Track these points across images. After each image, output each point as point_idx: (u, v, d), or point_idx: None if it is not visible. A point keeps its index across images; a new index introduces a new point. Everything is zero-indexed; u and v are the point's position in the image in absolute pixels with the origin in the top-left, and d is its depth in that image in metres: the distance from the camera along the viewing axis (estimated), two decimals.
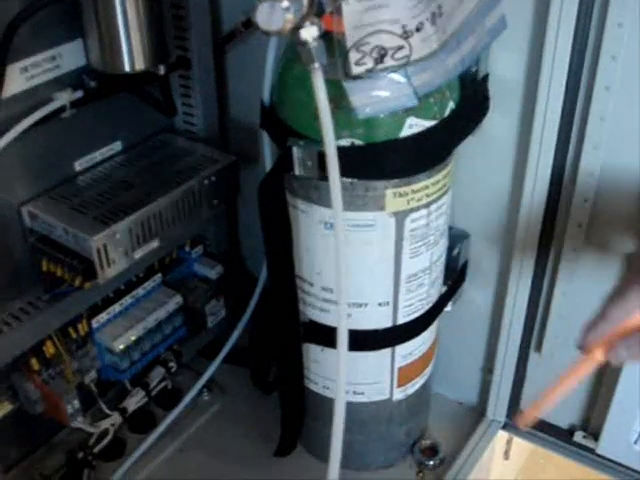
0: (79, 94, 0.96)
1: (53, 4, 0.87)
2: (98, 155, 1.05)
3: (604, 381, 1.05)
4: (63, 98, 0.94)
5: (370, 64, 0.74)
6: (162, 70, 0.98)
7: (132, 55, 0.92)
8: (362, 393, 1.04)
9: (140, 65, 0.93)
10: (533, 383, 1.14)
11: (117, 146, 1.08)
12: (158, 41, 0.94)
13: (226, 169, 1.07)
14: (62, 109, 0.95)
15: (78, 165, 1.03)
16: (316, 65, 0.64)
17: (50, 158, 0.99)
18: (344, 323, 0.75)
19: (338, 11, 0.73)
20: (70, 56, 0.95)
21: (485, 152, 0.99)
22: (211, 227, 1.25)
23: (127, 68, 0.93)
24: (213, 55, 1.11)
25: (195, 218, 1.05)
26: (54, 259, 0.95)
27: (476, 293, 1.12)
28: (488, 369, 1.17)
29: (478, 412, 1.21)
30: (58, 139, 0.98)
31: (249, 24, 1.05)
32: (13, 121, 0.90)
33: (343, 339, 0.76)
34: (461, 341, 1.18)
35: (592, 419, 1.11)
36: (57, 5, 0.88)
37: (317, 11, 0.61)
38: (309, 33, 0.62)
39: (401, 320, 0.98)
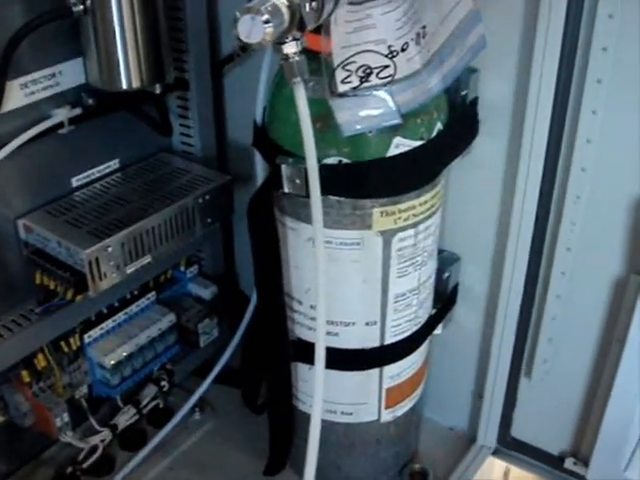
0: (78, 111, 0.98)
1: (53, 22, 0.89)
2: (95, 172, 1.07)
3: (594, 407, 1.05)
4: (61, 115, 0.97)
5: (356, 82, 0.76)
6: (158, 89, 1.00)
7: (129, 74, 0.95)
8: (350, 414, 1.04)
9: (137, 83, 0.95)
10: (524, 408, 1.13)
11: (115, 164, 1.10)
12: (155, 61, 0.96)
13: (221, 188, 1.09)
14: (60, 125, 0.97)
15: (75, 181, 1.05)
16: (298, 79, 0.65)
17: (47, 173, 1.01)
18: (322, 335, 0.76)
19: (326, 31, 0.75)
20: (70, 74, 0.97)
21: (475, 175, 1.00)
22: (206, 247, 1.27)
23: (124, 86, 0.95)
24: (211, 77, 1.14)
25: (189, 236, 1.06)
26: (48, 272, 0.97)
27: (466, 316, 1.12)
28: (478, 394, 1.17)
29: (469, 438, 1.21)
30: (56, 155, 1.00)
31: (247, 47, 1.07)
32: (12, 136, 0.92)
33: (320, 353, 0.76)
34: (452, 365, 1.18)
35: (582, 445, 1.10)
36: (57, 23, 0.90)
37: (299, 26, 0.62)
38: (291, 48, 0.63)
39: (389, 340, 0.98)
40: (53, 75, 0.96)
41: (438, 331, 1.09)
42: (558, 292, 1.00)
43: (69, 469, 1.11)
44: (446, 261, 1.08)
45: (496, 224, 1.02)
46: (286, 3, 0.60)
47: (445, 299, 1.08)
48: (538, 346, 1.05)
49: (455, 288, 1.11)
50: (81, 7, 0.89)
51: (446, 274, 1.07)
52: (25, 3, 0.89)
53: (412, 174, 0.86)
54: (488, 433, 1.17)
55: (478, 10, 0.75)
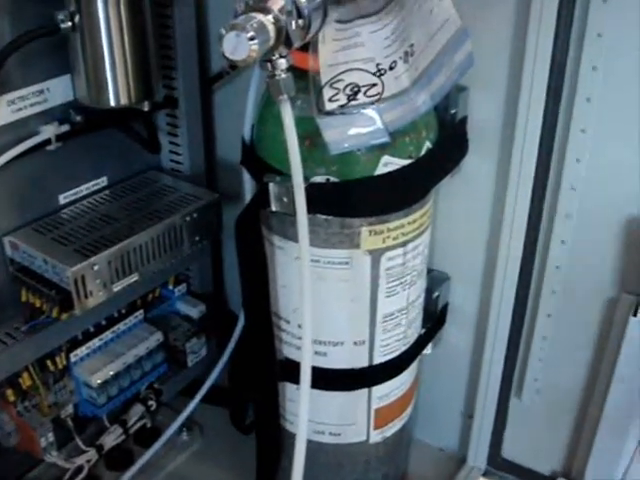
0: (65, 128, 0.98)
1: (41, 38, 0.89)
2: (84, 189, 1.07)
3: (585, 427, 1.04)
4: (49, 131, 0.96)
5: (343, 100, 0.75)
6: (147, 106, 1.00)
7: (117, 91, 0.94)
8: (338, 434, 1.03)
9: (125, 101, 0.95)
10: (514, 429, 1.13)
11: (103, 181, 1.09)
12: (143, 78, 0.96)
13: (209, 206, 1.08)
14: (48, 142, 0.96)
15: (63, 198, 1.04)
16: (284, 97, 0.65)
17: (34, 190, 1.00)
18: (308, 355, 0.75)
19: (314, 49, 0.75)
20: (58, 90, 0.97)
21: (464, 193, 1.00)
22: (195, 266, 1.26)
23: (112, 103, 0.95)
24: (200, 95, 1.13)
25: (176, 254, 1.06)
26: (33, 289, 0.96)
27: (456, 336, 1.12)
28: (469, 414, 1.16)
29: (459, 458, 1.20)
30: (43, 172, 1.00)
31: (236, 65, 1.07)
32: None
33: (306, 369, 0.75)
34: (442, 385, 1.17)
35: (574, 465, 1.09)
36: (45, 40, 0.90)
37: (285, 43, 0.62)
38: (277, 65, 0.63)
39: (377, 360, 0.97)
40: (41, 92, 0.95)
41: (428, 351, 1.08)
42: (549, 311, 0.99)
43: None
44: (435, 280, 1.07)
45: (485, 243, 1.02)
46: (272, 20, 0.60)
47: (434, 319, 1.08)
48: (528, 365, 1.05)
49: (445, 308, 1.10)
50: (69, 24, 0.88)
51: (435, 293, 1.07)
52: (13, 19, 0.89)
53: (401, 193, 0.86)
54: (478, 454, 1.16)
55: (465, 28, 0.75)
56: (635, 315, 0.90)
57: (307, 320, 0.77)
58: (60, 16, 0.88)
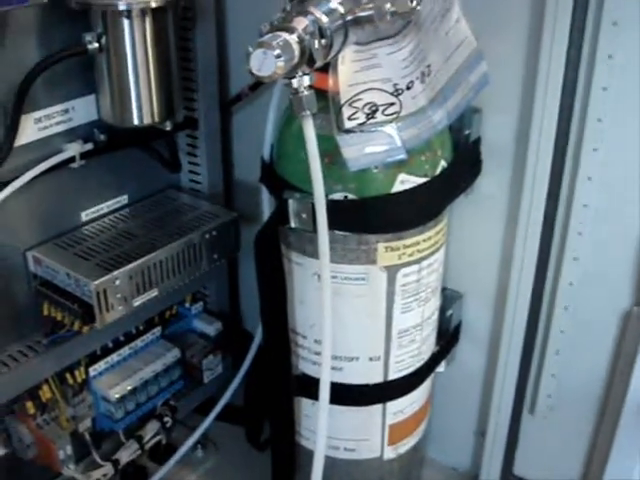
0: (89, 146, 1.01)
1: (68, 59, 0.92)
2: (105, 207, 1.09)
3: (599, 443, 1.05)
4: (73, 149, 0.99)
5: (362, 119, 0.78)
6: (168, 126, 1.03)
7: (141, 110, 0.97)
8: (353, 450, 1.04)
9: (148, 120, 0.98)
10: (526, 445, 1.13)
11: (124, 199, 1.12)
12: (166, 99, 0.98)
13: (227, 225, 1.11)
14: (72, 160, 0.99)
15: (85, 215, 1.07)
16: (306, 113, 0.68)
17: (58, 207, 1.03)
18: (327, 369, 0.77)
19: (334, 69, 0.78)
20: (82, 110, 1.00)
21: (477, 212, 1.03)
22: (212, 285, 1.28)
23: (136, 122, 0.97)
24: (220, 116, 1.16)
25: (195, 271, 1.08)
26: (55, 303, 0.98)
27: (469, 354, 1.13)
28: (481, 432, 1.17)
29: (471, 476, 1.21)
30: (67, 189, 1.03)
31: (255, 87, 1.11)
32: (24, 169, 0.94)
33: (325, 385, 0.77)
34: (455, 404, 1.19)
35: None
36: (72, 60, 0.93)
37: (309, 61, 0.65)
38: (300, 82, 0.66)
39: (392, 376, 0.99)
40: (66, 111, 0.98)
41: (441, 369, 1.09)
42: (562, 327, 1.01)
43: None
44: (449, 299, 1.09)
45: (499, 262, 1.04)
46: (297, 39, 0.63)
47: (448, 336, 1.09)
48: (541, 382, 1.06)
49: (458, 326, 1.12)
50: (96, 45, 0.91)
51: (449, 312, 1.09)
52: (41, 40, 0.92)
53: (416, 210, 0.88)
54: (491, 471, 1.17)
55: (480, 50, 0.77)
56: None
57: (327, 335, 0.78)
58: (88, 37, 0.91)
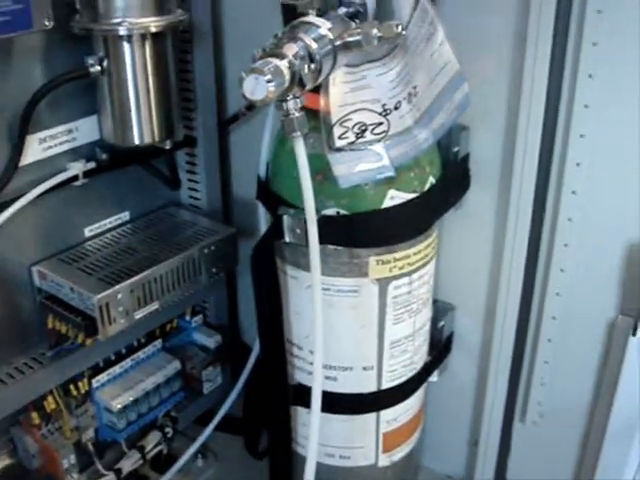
0: (92, 165, 1.05)
1: (72, 81, 0.96)
2: (107, 223, 1.13)
3: (588, 449, 1.07)
4: (76, 168, 1.03)
5: (352, 138, 0.82)
6: (168, 145, 1.06)
7: (141, 130, 1.00)
8: (348, 457, 1.07)
9: (148, 139, 1.01)
10: (518, 452, 1.16)
11: (125, 216, 1.16)
12: (165, 119, 1.02)
13: (225, 240, 1.14)
14: (75, 178, 1.03)
15: (88, 231, 1.10)
16: (297, 134, 0.71)
17: (62, 223, 1.06)
18: (319, 377, 0.80)
19: (325, 91, 0.82)
20: (85, 130, 1.03)
21: (467, 226, 1.06)
22: (211, 298, 1.31)
23: (136, 142, 1.01)
24: (218, 135, 1.20)
25: (195, 285, 1.11)
26: (60, 316, 1.01)
27: (461, 364, 1.16)
28: (474, 441, 1.20)
29: None
30: (70, 206, 1.06)
31: (251, 107, 1.15)
32: (29, 187, 0.98)
33: (317, 394, 0.80)
34: (448, 413, 1.22)
35: None
36: (75, 83, 0.97)
37: (299, 85, 0.68)
38: (291, 105, 0.69)
39: (385, 385, 1.02)
40: (70, 131, 1.02)
41: (434, 379, 1.13)
42: (549, 336, 1.04)
43: None
44: (441, 311, 1.12)
45: (488, 274, 1.07)
46: (287, 65, 0.67)
47: (440, 347, 1.12)
48: (532, 390, 1.09)
49: (450, 337, 1.15)
50: (98, 68, 0.95)
51: (441, 323, 1.12)
52: (45, 63, 0.96)
53: (406, 225, 0.91)
54: (484, 479, 1.20)
55: (462, 72, 0.81)
56: (634, 335, 0.94)
57: (319, 344, 0.82)
58: (90, 61, 0.95)
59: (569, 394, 1.07)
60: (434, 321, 1.10)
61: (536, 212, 0.97)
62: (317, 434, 0.84)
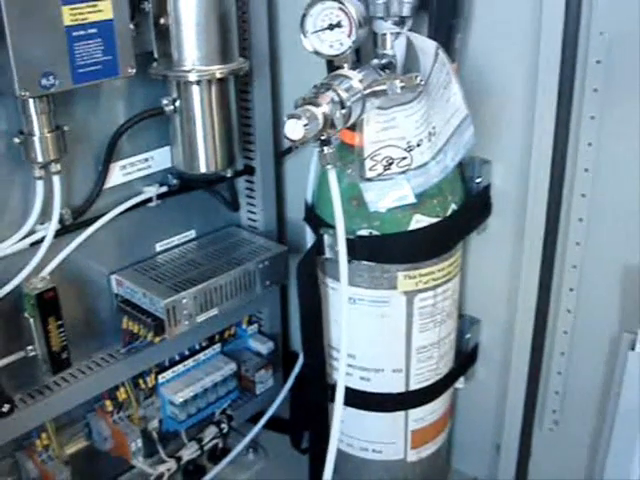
0: (164, 189, 1.22)
1: (148, 118, 1.13)
2: (176, 239, 1.30)
3: (599, 455, 1.17)
4: (151, 191, 1.20)
5: (380, 170, 0.97)
6: (230, 173, 1.23)
7: (207, 160, 1.16)
8: (380, 452, 1.20)
9: (212, 168, 1.17)
10: (538, 457, 1.27)
11: (192, 234, 1.32)
12: (228, 150, 1.18)
13: (278, 256, 1.30)
14: (149, 200, 1.20)
15: (159, 246, 1.27)
16: (330, 166, 0.87)
17: (137, 238, 1.23)
18: (343, 372, 0.94)
19: (360, 129, 0.97)
20: (159, 159, 1.21)
21: (489, 249, 1.19)
22: (265, 310, 1.47)
23: (203, 169, 1.17)
24: (274, 164, 1.36)
25: (250, 295, 1.27)
26: (133, 318, 1.18)
27: (486, 373, 1.28)
28: (497, 445, 1.31)
29: None
30: (144, 224, 1.23)
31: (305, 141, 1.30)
32: (111, 207, 1.15)
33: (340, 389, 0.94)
34: (475, 418, 1.34)
35: None
36: (151, 119, 1.14)
37: (331, 127, 0.83)
38: (324, 143, 0.85)
39: (413, 387, 1.15)
40: (146, 160, 1.19)
41: (460, 385, 1.25)
42: (562, 349, 1.16)
43: None
44: (467, 324, 1.25)
45: (507, 291, 1.20)
46: (321, 111, 0.82)
47: (466, 356, 1.25)
48: (547, 398, 1.20)
49: (475, 347, 1.27)
50: (171, 107, 1.12)
51: (467, 335, 1.25)
52: (127, 102, 1.14)
53: (430, 245, 1.05)
54: None
55: (470, 115, 0.94)
56: (633, 349, 1.05)
57: (344, 345, 0.96)
58: (164, 101, 1.12)
59: (580, 403, 1.18)
60: (461, 333, 1.23)
61: (548, 237, 1.10)
62: (339, 422, 0.99)
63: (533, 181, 1.07)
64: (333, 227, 1.04)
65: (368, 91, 0.89)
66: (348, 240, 0.98)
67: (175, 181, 1.23)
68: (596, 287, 1.10)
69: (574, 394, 1.19)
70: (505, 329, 1.23)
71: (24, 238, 1.06)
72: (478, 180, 1.12)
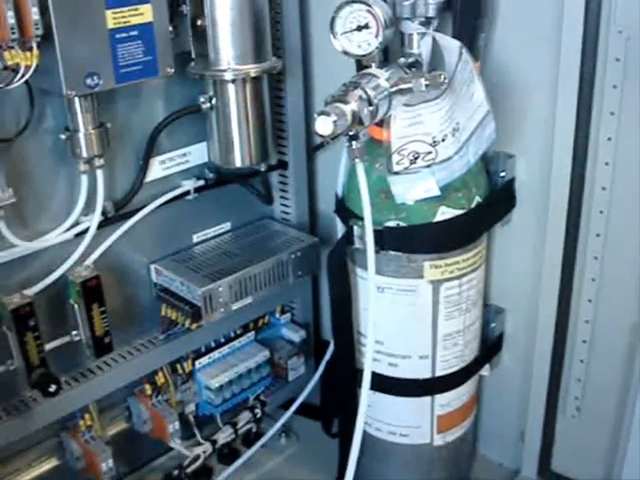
0: (201, 183, 1.28)
1: (186, 115, 1.19)
2: (212, 231, 1.36)
3: (621, 440, 1.21)
4: (188, 185, 1.26)
5: (406, 164, 1.01)
6: (263, 167, 1.29)
7: (242, 155, 1.22)
8: (407, 435, 1.25)
9: (247, 162, 1.23)
10: (562, 444, 1.31)
11: (227, 226, 1.38)
12: (262, 145, 1.23)
13: (309, 247, 1.35)
14: (187, 193, 1.26)
15: (196, 237, 1.33)
16: (357, 160, 0.91)
17: (175, 230, 1.29)
18: (370, 355, 0.99)
19: (387, 125, 1.01)
20: (196, 154, 1.26)
21: (513, 240, 1.23)
22: (298, 299, 1.52)
23: (238, 164, 1.23)
24: (306, 159, 1.42)
25: (283, 284, 1.32)
26: (171, 305, 1.24)
27: (510, 362, 1.32)
28: (522, 432, 1.35)
29: (513, 471, 1.39)
30: (182, 216, 1.29)
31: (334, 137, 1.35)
32: (151, 199, 1.21)
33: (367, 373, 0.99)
34: (500, 405, 1.37)
35: (613, 472, 1.25)
36: (189, 116, 1.20)
37: (359, 123, 0.88)
38: (352, 138, 0.89)
39: (439, 373, 1.20)
40: (184, 155, 1.25)
41: (485, 372, 1.29)
42: (584, 337, 1.19)
43: (175, 472, 1.35)
44: (493, 313, 1.29)
45: (531, 282, 1.23)
46: (349, 109, 0.87)
47: (491, 345, 1.29)
48: (569, 386, 1.24)
49: (500, 336, 1.31)
50: (208, 105, 1.18)
51: (492, 324, 1.29)
52: (166, 100, 1.19)
53: (455, 236, 1.10)
54: (530, 468, 1.35)
55: (491, 111, 0.99)
56: None
57: (371, 331, 1.01)
58: (202, 99, 1.18)
59: (602, 390, 1.21)
60: (487, 322, 1.27)
61: (569, 229, 1.13)
62: (366, 406, 1.05)
63: (555, 175, 1.11)
64: (362, 219, 1.09)
65: (395, 89, 0.93)
66: (376, 231, 1.02)
67: (211, 175, 1.29)
68: (616, 277, 1.14)
69: (596, 381, 1.22)
70: (529, 318, 1.26)
71: (69, 229, 1.12)
72: (502, 174, 1.16)
